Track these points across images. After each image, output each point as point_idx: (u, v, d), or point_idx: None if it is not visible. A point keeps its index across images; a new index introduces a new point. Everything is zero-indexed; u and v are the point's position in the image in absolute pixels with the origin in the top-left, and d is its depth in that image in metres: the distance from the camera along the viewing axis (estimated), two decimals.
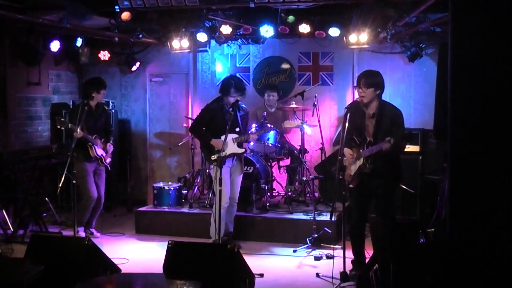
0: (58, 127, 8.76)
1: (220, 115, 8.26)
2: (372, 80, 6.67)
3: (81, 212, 8.84)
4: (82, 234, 8.83)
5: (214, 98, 8.68)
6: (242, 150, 8.37)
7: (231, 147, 8.16)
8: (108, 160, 9.09)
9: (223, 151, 7.96)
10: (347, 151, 6.75)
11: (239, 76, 9.81)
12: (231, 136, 8.12)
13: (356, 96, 6.92)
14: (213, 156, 8.16)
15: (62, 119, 8.65)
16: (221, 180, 7.38)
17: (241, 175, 8.56)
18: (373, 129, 6.67)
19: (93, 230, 9.18)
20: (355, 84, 6.85)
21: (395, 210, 6.93)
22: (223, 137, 7.95)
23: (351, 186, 6.80)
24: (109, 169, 9.31)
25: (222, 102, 8.31)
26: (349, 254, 6.91)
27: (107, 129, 9.28)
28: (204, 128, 8.39)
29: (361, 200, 6.90)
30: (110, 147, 9.12)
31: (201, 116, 8.51)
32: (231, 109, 8.13)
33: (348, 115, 6.48)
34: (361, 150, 6.67)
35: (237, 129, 8.24)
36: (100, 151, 8.86)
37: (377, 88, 6.67)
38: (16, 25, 9.79)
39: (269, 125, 9.17)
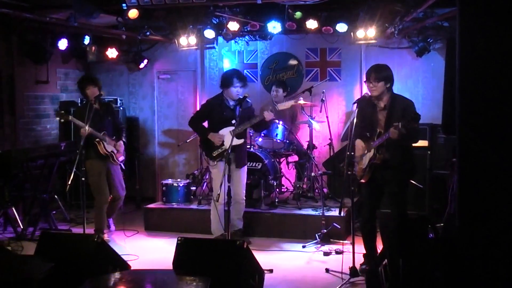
0: (58, 119, 8.68)
1: (219, 110, 8.23)
2: (382, 74, 6.67)
3: (97, 217, 8.75)
4: (106, 237, 8.73)
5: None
6: (241, 141, 8.23)
7: (230, 140, 7.86)
8: (121, 158, 8.87)
9: (223, 145, 7.95)
10: (359, 142, 6.76)
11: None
12: (228, 129, 8.10)
13: (365, 91, 6.91)
14: (214, 152, 8.15)
15: (62, 112, 8.53)
16: (229, 176, 7.37)
17: (244, 169, 8.45)
18: (384, 121, 6.67)
19: (109, 221, 9.16)
20: (365, 79, 6.84)
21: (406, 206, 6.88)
22: (220, 131, 8.00)
23: (363, 180, 6.78)
24: (123, 168, 9.13)
25: (222, 97, 8.31)
26: (358, 249, 6.91)
27: (118, 128, 9.00)
28: (202, 123, 8.39)
29: (373, 196, 6.89)
30: (121, 145, 8.87)
31: (200, 110, 8.55)
32: (236, 104, 8.18)
33: (357, 110, 6.49)
34: (372, 142, 6.67)
35: (233, 121, 8.16)
36: (110, 147, 8.62)
37: (387, 82, 6.67)
38: (24, 24, 9.82)
39: (276, 121, 9.19)
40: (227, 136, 8.05)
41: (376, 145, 6.56)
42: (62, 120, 8.57)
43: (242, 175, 8.41)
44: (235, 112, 8.22)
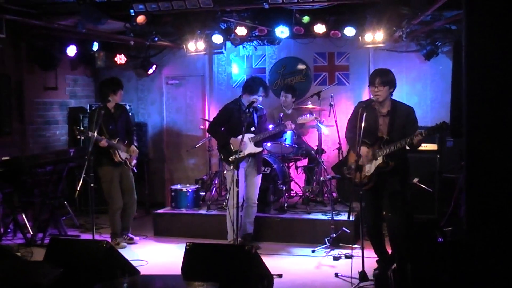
0: (78, 137, 8.80)
1: (237, 115, 8.28)
2: (386, 79, 6.67)
3: (111, 223, 8.86)
4: (123, 243, 8.79)
5: (230, 99, 8.74)
6: (259, 149, 8.38)
7: (249, 147, 8.21)
8: (133, 162, 8.96)
9: (241, 151, 7.95)
10: (364, 150, 6.72)
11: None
12: (247, 136, 8.14)
13: None
14: (231, 158, 8.15)
15: (81, 128, 8.52)
16: (237, 181, 7.38)
17: (259, 176, 8.52)
18: (386, 127, 6.66)
19: (130, 235, 9.09)
20: (369, 84, 6.83)
21: (412, 209, 6.89)
22: (239, 137, 7.97)
23: (366, 187, 6.73)
24: (135, 171, 9.19)
25: (239, 103, 8.35)
26: (368, 253, 6.88)
27: (128, 130, 9.07)
28: (222, 129, 8.42)
29: (376, 200, 6.88)
30: (135, 150, 8.93)
31: (219, 116, 8.52)
32: (249, 109, 8.17)
33: (361, 113, 6.46)
34: (377, 150, 6.63)
35: (253, 129, 8.26)
36: (124, 155, 8.72)
37: (391, 86, 6.68)
38: (32, 31, 9.87)
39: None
40: (247, 143, 8.13)
41: (385, 154, 6.54)
42: (83, 138, 8.69)
43: (257, 181, 8.50)
44: (252, 118, 8.31)
